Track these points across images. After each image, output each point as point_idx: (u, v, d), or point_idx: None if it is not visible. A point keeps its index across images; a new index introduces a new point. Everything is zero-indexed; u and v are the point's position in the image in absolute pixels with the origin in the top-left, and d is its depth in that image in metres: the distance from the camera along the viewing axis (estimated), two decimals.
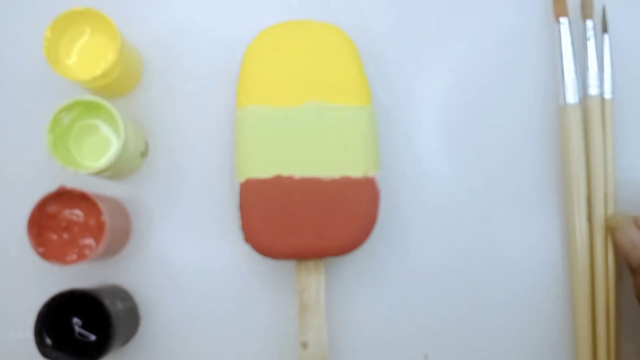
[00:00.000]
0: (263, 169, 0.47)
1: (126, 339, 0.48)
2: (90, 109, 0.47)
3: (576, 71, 0.50)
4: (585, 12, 0.51)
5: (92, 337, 0.44)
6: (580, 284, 0.48)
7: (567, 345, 0.50)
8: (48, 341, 0.43)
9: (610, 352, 0.48)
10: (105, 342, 0.43)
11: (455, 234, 0.51)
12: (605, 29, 0.51)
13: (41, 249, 0.45)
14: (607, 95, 0.50)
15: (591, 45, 0.51)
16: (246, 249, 0.49)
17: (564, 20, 0.51)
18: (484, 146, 0.52)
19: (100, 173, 0.46)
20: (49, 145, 0.45)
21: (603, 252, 0.48)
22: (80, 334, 0.44)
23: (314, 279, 0.47)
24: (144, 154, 0.50)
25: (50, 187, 0.45)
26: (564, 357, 0.50)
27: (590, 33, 0.51)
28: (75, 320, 0.44)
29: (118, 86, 0.50)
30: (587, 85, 0.50)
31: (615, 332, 0.48)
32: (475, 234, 0.51)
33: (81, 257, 0.45)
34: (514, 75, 0.52)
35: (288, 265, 0.50)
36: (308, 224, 0.46)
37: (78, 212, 0.46)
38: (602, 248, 0.48)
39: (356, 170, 0.47)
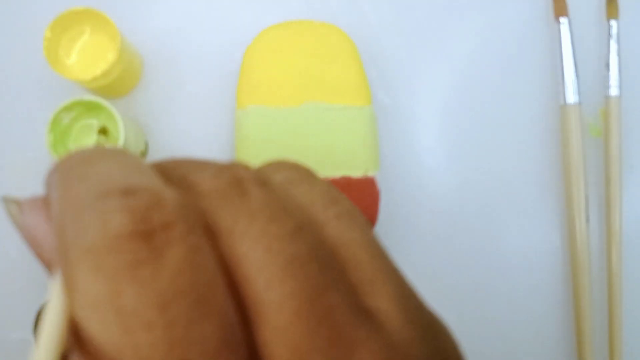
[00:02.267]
0: None
1: None
2: (90, 109, 0.47)
3: (576, 71, 0.50)
4: (611, 11, 0.51)
5: None
6: (580, 284, 0.48)
7: (568, 346, 0.50)
8: None
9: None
10: None
11: (456, 234, 0.51)
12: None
13: None
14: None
15: (613, 45, 0.51)
16: None
17: (564, 20, 0.51)
18: (484, 146, 0.52)
19: None
20: (49, 145, 0.45)
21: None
22: None
23: None
24: (144, 154, 0.50)
25: None
26: (565, 357, 0.50)
27: (614, 32, 0.51)
28: None
29: (118, 86, 0.50)
30: (608, 86, 0.50)
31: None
32: (475, 234, 0.51)
33: None
34: (514, 75, 0.52)
35: None
36: None
37: None
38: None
39: (356, 170, 0.47)
